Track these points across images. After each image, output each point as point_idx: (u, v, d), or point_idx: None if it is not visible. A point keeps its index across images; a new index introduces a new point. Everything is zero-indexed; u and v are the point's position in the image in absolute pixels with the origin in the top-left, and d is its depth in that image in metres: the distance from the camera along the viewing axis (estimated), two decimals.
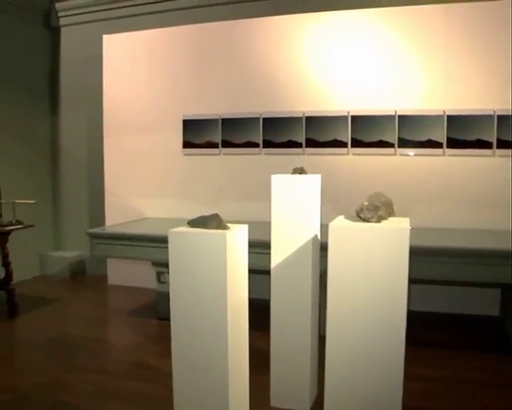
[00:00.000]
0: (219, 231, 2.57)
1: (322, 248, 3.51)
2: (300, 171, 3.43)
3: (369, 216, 2.85)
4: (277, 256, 3.42)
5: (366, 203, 2.90)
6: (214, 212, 2.77)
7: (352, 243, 2.78)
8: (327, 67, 5.99)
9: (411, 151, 5.69)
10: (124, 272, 7.05)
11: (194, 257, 2.59)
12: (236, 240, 2.68)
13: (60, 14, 7.84)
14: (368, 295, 2.78)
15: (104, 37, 7.08)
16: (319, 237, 3.49)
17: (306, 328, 3.47)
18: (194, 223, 2.67)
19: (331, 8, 5.98)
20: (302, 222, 3.36)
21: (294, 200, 3.35)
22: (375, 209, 2.86)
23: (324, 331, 2.91)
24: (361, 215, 2.87)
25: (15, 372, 4.45)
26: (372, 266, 2.75)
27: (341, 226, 2.81)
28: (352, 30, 5.88)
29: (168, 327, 5.39)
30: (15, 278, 6.25)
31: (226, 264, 2.53)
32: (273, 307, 3.53)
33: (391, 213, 3.00)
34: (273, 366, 3.61)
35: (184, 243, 2.61)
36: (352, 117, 5.84)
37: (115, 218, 6.60)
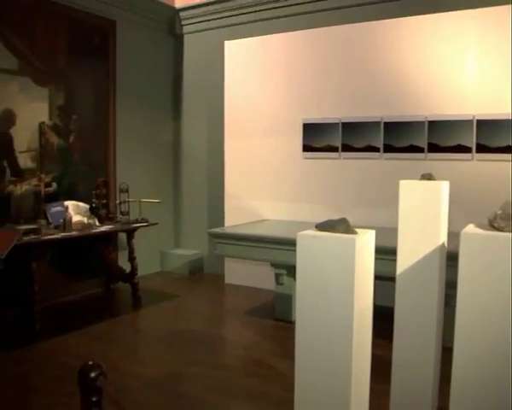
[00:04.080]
0: (348, 235, 2.57)
1: (448, 256, 3.42)
2: (429, 177, 3.36)
3: (503, 225, 2.72)
4: (403, 263, 3.35)
5: (500, 212, 2.77)
6: (333, 216, 2.77)
7: (484, 253, 2.66)
8: (450, 69, 5.77)
9: None
10: (240, 272, 7.20)
11: (323, 260, 2.60)
12: (364, 245, 2.66)
13: (183, 23, 8.17)
14: (501, 309, 2.65)
15: (226, 43, 7.30)
16: (446, 245, 3.40)
17: (431, 338, 3.38)
18: (322, 226, 2.68)
19: (453, 8, 5.76)
20: (430, 229, 3.28)
21: (423, 206, 3.28)
22: (509, 218, 2.73)
23: (448, 343, 2.83)
24: (494, 224, 2.74)
25: (142, 362, 4.71)
26: (506, 278, 2.63)
27: (474, 235, 2.70)
28: (476, 30, 5.60)
29: (285, 328, 5.49)
30: (138, 273, 6.61)
31: (354, 268, 2.53)
32: (397, 314, 3.47)
33: None
34: (394, 374, 3.54)
35: (313, 246, 2.62)
36: (478, 121, 5.59)
37: (234, 219, 6.78)
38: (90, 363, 1.90)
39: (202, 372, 4.43)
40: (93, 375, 1.84)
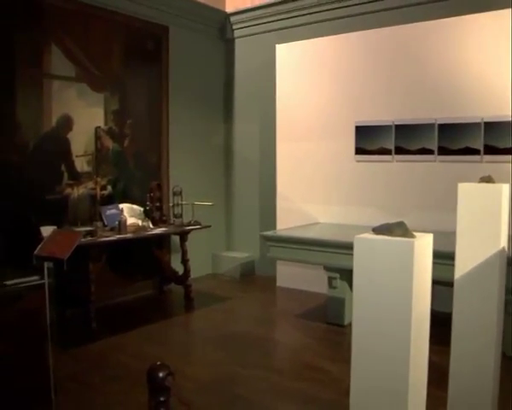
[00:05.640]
0: (407, 239, 2.54)
1: (509, 261, 3.33)
2: (488, 179, 3.28)
3: None
4: (462, 268, 3.28)
5: None
6: (386, 219, 2.73)
7: None
8: (507, 68, 5.59)
9: None
10: (292, 275, 7.18)
11: (380, 264, 2.57)
12: (423, 249, 2.62)
13: (234, 27, 8.25)
14: None
15: (277, 46, 7.32)
16: (506, 249, 3.31)
17: (490, 345, 3.29)
18: (379, 230, 2.65)
19: (508, 6, 5.58)
20: (490, 233, 3.20)
21: (482, 209, 3.20)
22: None
23: (507, 351, 2.75)
24: None
25: (195, 363, 4.77)
26: None
27: None
28: None
29: (337, 332, 5.47)
30: (191, 275, 6.69)
31: (413, 272, 2.49)
32: (455, 321, 3.39)
33: None
34: (452, 382, 3.46)
35: (370, 250, 2.60)
36: None
37: (286, 222, 6.79)
38: (159, 363, 1.94)
39: (255, 375, 4.44)
40: (161, 375, 1.88)
